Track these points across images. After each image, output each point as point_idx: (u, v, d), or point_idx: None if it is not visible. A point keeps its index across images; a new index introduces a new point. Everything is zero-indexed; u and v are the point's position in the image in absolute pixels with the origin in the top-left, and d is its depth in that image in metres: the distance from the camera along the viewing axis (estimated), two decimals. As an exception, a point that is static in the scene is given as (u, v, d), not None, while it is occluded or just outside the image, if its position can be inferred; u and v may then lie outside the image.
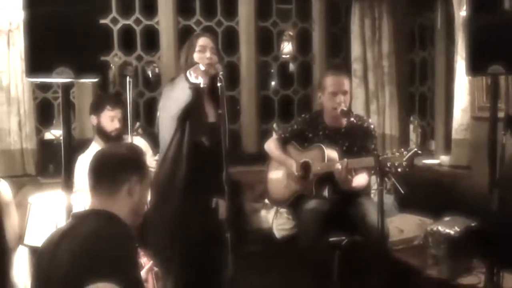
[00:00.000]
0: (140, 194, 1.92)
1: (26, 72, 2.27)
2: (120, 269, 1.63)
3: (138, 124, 4.04)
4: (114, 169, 1.88)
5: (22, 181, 3.66)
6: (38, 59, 2.20)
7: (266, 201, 3.92)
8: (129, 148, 2.05)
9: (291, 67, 5.10)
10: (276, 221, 3.88)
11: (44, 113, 4.23)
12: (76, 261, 1.64)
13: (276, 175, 3.49)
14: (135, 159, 1.95)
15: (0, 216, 2.70)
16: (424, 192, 3.85)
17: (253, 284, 3.26)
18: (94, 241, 1.69)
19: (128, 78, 3.10)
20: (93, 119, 3.52)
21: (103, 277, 1.56)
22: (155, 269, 2.24)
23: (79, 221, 1.83)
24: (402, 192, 2.73)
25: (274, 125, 4.68)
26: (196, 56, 2.82)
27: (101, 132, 3.45)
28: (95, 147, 3.34)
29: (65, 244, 1.72)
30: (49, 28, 2.19)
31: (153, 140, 3.69)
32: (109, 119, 3.46)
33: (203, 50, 2.82)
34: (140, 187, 1.91)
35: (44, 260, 1.78)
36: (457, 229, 3.13)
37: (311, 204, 3.26)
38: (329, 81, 3.25)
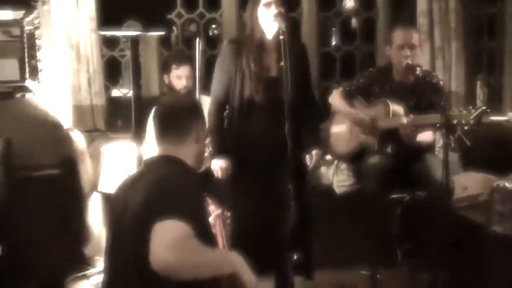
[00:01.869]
0: (203, 140, 2.03)
1: (97, 26, 2.36)
2: (189, 209, 1.69)
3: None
4: (182, 118, 1.96)
5: (92, 136, 3.81)
6: (109, 13, 2.29)
7: (327, 157, 3.94)
8: (189, 98, 2.13)
9: (354, 22, 5.00)
10: (336, 177, 3.89)
11: (111, 71, 4.36)
12: (147, 200, 1.72)
13: (339, 128, 3.49)
14: (198, 107, 2.04)
15: (76, 164, 2.85)
16: (491, 149, 3.76)
17: (314, 236, 3.31)
18: (165, 183, 1.77)
19: (197, 40, 3.16)
20: (165, 78, 3.61)
21: (172, 214, 1.62)
22: (224, 214, 2.32)
23: (150, 166, 1.92)
24: (468, 144, 2.68)
25: (335, 85, 4.62)
26: (260, 11, 2.81)
27: (173, 91, 3.53)
28: None
29: (137, 187, 1.81)
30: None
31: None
32: (177, 78, 3.53)
33: (268, 5, 2.80)
34: (203, 134, 2.02)
35: (118, 204, 1.88)
36: (525, 185, 3.06)
37: (374, 159, 3.25)
38: (397, 34, 3.20)
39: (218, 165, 2.87)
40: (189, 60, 3.53)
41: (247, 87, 2.82)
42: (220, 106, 2.90)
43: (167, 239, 1.58)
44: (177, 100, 2.07)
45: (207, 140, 3.40)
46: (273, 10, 2.77)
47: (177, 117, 1.96)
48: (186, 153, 1.93)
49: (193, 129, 1.96)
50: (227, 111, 2.91)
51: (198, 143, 1.98)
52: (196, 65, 3.23)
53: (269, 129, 2.82)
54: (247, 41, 2.84)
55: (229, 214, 2.39)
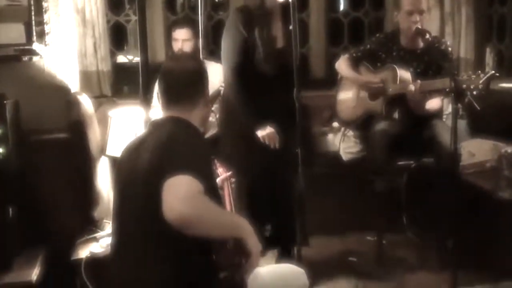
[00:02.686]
0: (209, 103, 2.05)
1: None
2: (199, 166, 1.69)
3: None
4: (190, 85, 1.94)
5: (99, 101, 3.81)
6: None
7: (334, 124, 3.93)
8: (195, 60, 2.11)
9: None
10: (343, 144, 3.89)
11: (116, 37, 4.32)
12: (157, 158, 1.71)
13: (346, 95, 3.47)
14: (204, 71, 2.02)
15: (84, 127, 2.85)
16: (499, 116, 3.73)
17: (320, 204, 3.33)
18: (174, 141, 1.77)
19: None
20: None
21: (182, 169, 1.62)
22: (231, 179, 2.33)
23: (157, 127, 1.91)
24: (478, 108, 2.65)
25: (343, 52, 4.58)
26: None
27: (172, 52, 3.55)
28: None
29: (144, 148, 1.81)
30: None
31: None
32: (174, 41, 3.57)
33: None
34: (209, 96, 2.03)
35: (125, 166, 1.89)
36: (533, 151, 3.05)
37: (381, 125, 3.24)
38: (406, -1, 3.14)
39: (266, 133, 2.87)
40: (187, 23, 3.53)
41: (258, 57, 2.80)
42: (239, 76, 2.87)
43: (181, 191, 1.58)
44: (183, 65, 2.00)
45: (214, 106, 3.43)
46: None
47: (186, 84, 1.93)
48: (193, 117, 1.93)
49: (201, 94, 1.96)
50: None
51: (205, 107, 1.99)
52: (200, 25, 3.20)
53: (278, 97, 2.81)
54: (257, 10, 2.81)
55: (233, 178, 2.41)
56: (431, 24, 4.21)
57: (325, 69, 4.50)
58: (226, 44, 2.92)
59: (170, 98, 1.93)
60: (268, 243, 2.93)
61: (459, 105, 2.69)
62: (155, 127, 1.94)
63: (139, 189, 1.74)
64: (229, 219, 1.80)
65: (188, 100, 1.93)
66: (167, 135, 1.80)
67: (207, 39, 4.30)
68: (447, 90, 2.68)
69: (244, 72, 2.86)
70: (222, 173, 2.32)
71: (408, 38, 3.23)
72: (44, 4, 3.15)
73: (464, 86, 2.66)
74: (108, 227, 2.75)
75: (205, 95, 1.99)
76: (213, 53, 4.30)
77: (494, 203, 3.14)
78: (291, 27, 2.62)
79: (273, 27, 2.84)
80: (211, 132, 3.59)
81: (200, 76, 1.98)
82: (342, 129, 3.84)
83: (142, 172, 1.75)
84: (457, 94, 2.60)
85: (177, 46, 3.56)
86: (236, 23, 2.87)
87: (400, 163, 3.39)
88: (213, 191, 1.80)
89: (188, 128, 1.89)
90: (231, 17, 2.95)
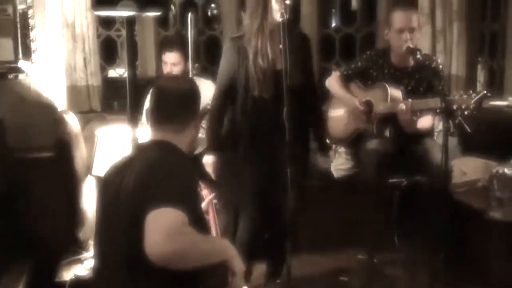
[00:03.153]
0: (199, 125, 2.01)
1: (92, 6, 2.31)
2: (184, 196, 1.66)
3: (196, 65, 4.05)
4: (183, 107, 1.91)
5: (88, 117, 3.77)
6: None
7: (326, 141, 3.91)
8: (189, 81, 2.08)
9: (354, 3, 4.92)
10: (334, 161, 3.87)
11: (107, 51, 4.30)
12: (140, 188, 1.68)
13: (337, 113, 3.46)
14: (197, 93, 1.98)
15: (70, 147, 2.81)
16: (490, 134, 3.72)
17: (310, 221, 3.31)
18: (158, 169, 1.73)
19: (189, 14, 3.11)
20: None
21: (167, 202, 1.59)
22: (215, 201, 2.30)
23: (142, 152, 1.88)
24: (469, 130, 2.65)
25: (333, 67, 4.58)
26: (274, 1, 2.69)
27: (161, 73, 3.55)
28: None
29: (128, 173, 1.76)
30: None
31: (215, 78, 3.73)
32: (164, 64, 3.58)
33: None
34: (200, 119, 1.99)
35: (109, 188, 1.84)
36: (524, 172, 3.03)
37: (372, 144, 3.22)
38: (397, 17, 3.12)
39: (208, 160, 2.93)
40: (178, 46, 3.51)
41: (253, 83, 2.79)
42: (222, 102, 2.91)
43: (163, 227, 1.55)
44: (177, 85, 1.97)
45: (203, 123, 3.40)
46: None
47: (178, 105, 1.90)
48: (182, 139, 1.90)
49: (193, 116, 1.93)
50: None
51: (195, 129, 1.96)
52: (189, 42, 3.19)
53: (273, 120, 2.79)
54: (252, 36, 2.78)
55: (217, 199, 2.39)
56: (422, 41, 4.21)
57: (317, 84, 4.47)
58: (220, 69, 2.94)
59: (161, 118, 1.90)
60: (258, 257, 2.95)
61: (451, 124, 2.69)
62: (140, 150, 1.90)
63: (122, 217, 1.70)
64: (214, 246, 1.77)
65: (179, 121, 1.89)
66: (152, 163, 1.76)
67: (198, 55, 4.28)
68: (438, 111, 2.66)
69: (236, 95, 2.86)
70: (206, 195, 2.29)
71: (398, 56, 3.22)
72: (31, 21, 3.12)
73: (456, 106, 2.65)
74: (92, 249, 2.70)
75: (196, 117, 1.96)
76: (205, 69, 4.29)
77: (485, 223, 3.12)
78: (281, 46, 2.60)
79: (270, 53, 2.82)
80: (200, 149, 3.56)
81: (193, 98, 1.96)
82: (334, 146, 3.81)
83: (126, 199, 1.71)
84: (448, 114, 2.59)
85: (166, 69, 3.55)
86: (229, 53, 2.87)
87: (391, 181, 3.37)
88: (198, 217, 1.77)
89: (175, 153, 1.85)
90: (225, 47, 2.94)
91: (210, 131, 2.96)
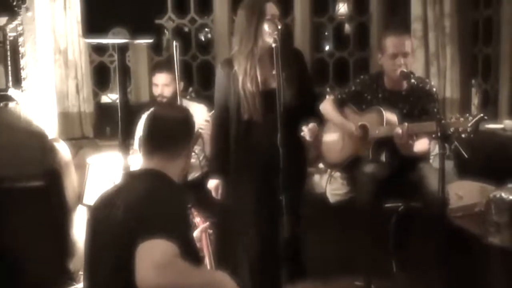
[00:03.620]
0: (191, 154, 2.04)
1: (83, 33, 2.29)
2: (175, 227, 1.63)
3: (190, 88, 4.04)
4: (177, 136, 1.91)
5: (80, 143, 3.74)
6: (95, 20, 2.21)
7: (320, 165, 3.87)
8: (183, 111, 2.07)
9: (347, 28, 4.94)
10: (330, 185, 3.83)
11: (100, 77, 4.29)
12: (131, 218, 1.65)
13: (331, 137, 3.42)
14: (191, 122, 1.98)
15: (60, 176, 2.77)
16: (485, 158, 3.70)
17: (305, 247, 3.25)
18: (148, 199, 1.70)
19: (174, 43, 3.11)
20: None
21: (158, 234, 1.57)
22: (209, 230, 2.26)
23: (133, 180, 1.86)
24: (466, 156, 2.63)
25: (328, 90, 4.58)
26: (265, 24, 2.71)
27: (153, 97, 3.52)
28: None
29: (119, 202, 1.74)
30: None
31: (209, 102, 3.72)
32: (154, 86, 3.55)
33: (272, 19, 2.72)
34: (193, 148, 1.96)
35: (98, 218, 1.81)
36: (522, 196, 3.00)
37: (368, 168, 3.18)
38: (390, 42, 3.11)
39: (213, 185, 2.95)
40: (168, 68, 3.48)
41: (244, 107, 2.80)
42: (222, 128, 2.92)
43: (154, 260, 1.53)
44: (172, 114, 1.97)
45: (196, 148, 3.38)
46: (278, 23, 2.68)
47: (172, 134, 1.90)
48: (174, 168, 1.89)
49: (186, 146, 1.93)
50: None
51: (187, 159, 1.96)
52: (176, 70, 3.19)
53: (269, 141, 2.76)
54: (247, 55, 2.78)
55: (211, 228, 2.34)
56: (416, 64, 4.23)
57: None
58: (215, 94, 2.97)
59: (154, 147, 1.88)
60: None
61: (447, 147, 2.66)
62: (131, 179, 1.88)
63: (112, 248, 1.67)
64: (206, 277, 1.73)
65: (171, 150, 1.88)
66: (142, 193, 1.73)
67: (191, 80, 4.27)
68: (433, 136, 2.64)
69: (230, 120, 2.87)
70: (199, 223, 2.24)
71: (392, 80, 3.20)
72: (21, 49, 3.10)
73: (452, 129, 2.62)
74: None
75: (189, 146, 1.96)
76: (198, 93, 4.28)
77: (483, 248, 3.07)
78: (274, 72, 2.58)
79: (262, 73, 2.81)
80: (193, 174, 3.52)
81: (187, 128, 1.95)
82: (329, 170, 3.78)
83: (115, 230, 1.68)
84: (445, 138, 2.57)
85: (156, 91, 3.52)
86: (220, 78, 2.90)
87: (388, 205, 3.33)
88: (190, 248, 1.74)
89: (165, 183, 1.82)
90: (217, 72, 2.96)
91: (211, 155, 2.99)
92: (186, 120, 1.96)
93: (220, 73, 2.91)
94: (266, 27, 2.71)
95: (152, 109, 2.06)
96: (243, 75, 2.78)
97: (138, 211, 1.66)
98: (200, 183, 3.47)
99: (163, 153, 1.87)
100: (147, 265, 1.52)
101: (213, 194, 2.95)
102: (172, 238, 1.57)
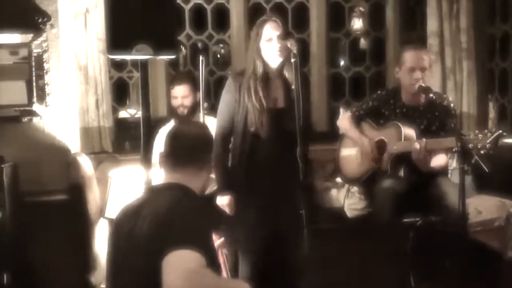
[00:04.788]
0: (211, 168, 2.06)
1: (107, 49, 2.33)
2: (201, 238, 1.66)
3: (206, 104, 4.07)
4: (199, 152, 1.95)
5: (100, 158, 3.77)
6: (119, 36, 2.26)
7: (338, 179, 3.88)
8: (202, 127, 2.13)
9: (363, 43, 4.97)
10: (347, 200, 3.83)
11: (119, 92, 4.34)
12: (157, 230, 1.68)
13: (349, 152, 3.43)
14: (211, 138, 2.05)
15: (83, 189, 2.80)
16: (504, 173, 3.68)
17: (323, 262, 3.24)
18: (173, 212, 1.73)
19: (200, 57, 3.13)
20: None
21: (185, 244, 1.59)
22: (225, 250, 2.28)
23: (158, 193, 1.89)
24: (487, 170, 2.62)
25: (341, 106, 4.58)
26: (263, 46, 2.77)
27: (172, 110, 3.53)
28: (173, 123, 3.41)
29: (144, 215, 1.77)
30: (128, 6, 2.24)
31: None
32: (173, 98, 3.55)
33: (269, 40, 2.76)
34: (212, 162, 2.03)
35: (121, 232, 1.83)
36: (542, 211, 2.99)
37: (386, 183, 3.18)
38: (408, 56, 3.14)
39: (223, 202, 2.84)
40: (187, 80, 3.52)
41: (251, 122, 2.79)
42: (224, 142, 2.89)
43: (182, 269, 1.55)
44: (194, 130, 2.03)
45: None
46: (276, 44, 2.74)
47: (195, 150, 1.94)
48: (197, 183, 1.92)
49: (207, 161, 1.98)
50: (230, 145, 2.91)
51: (208, 174, 2.01)
52: (201, 84, 3.22)
53: (276, 158, 2.79)
54: (251, 75, 2.81)
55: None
56: (433, 80, 4.22)
57: (327, 123, 4.49)
58: (219, 109, 2.94)
59: (176, 163, 1.92)
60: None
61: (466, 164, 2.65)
62: (154, 194, 1.91)
63: (137, 262, 1.69)
64: (232, 287, 1.75)
65: (194, 165, 1.92)
66: (167, 206, 1.76)
67: (209, 95, 4.31)
68: (454, 150, 2.64)
69: (234, 132, 2.86)
70: (215, 240, 2.24)
71: (410, 95, 3.21)
72: (46, 65, 3.16)
73: (471, 145, 2.62)
74: (105, 293, 2.65)
75: (210, 161, 2.00)
76: (214, 108, 4.32)
77: (504, 264, 3.05)
78: (293, 87, 2.61)
79: (270, 92, 2.83)
80: (211, 189, 3.53)
81: (207, 143, 2.01)
82: (347, 185, 3.78)
83: (141, 244, 1.70)
84: (464, 154, 2.57)
85: (176, 103, 3.54)
86: (228, 89, 2.89)
87: (406, 220, 3.32)
88: (214, 260, 1.76)
89: (188, 196, 1.86)
90: (226, 83, 2.95)
91: (219, 171, 2.87)
92: (206, 135, 2.02)
93: (230, 84, 2.89)
94: (262, 48, 2.76)
95: (173, 125, 2.10)
96: (248, 93, 2.80)
97: (165, 222, 1.68)
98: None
99: (186, 169, 1.90)
100: (175, 275, 1.54)
101: (228, 211, 2.83)
102: (199, 249, 1.59)
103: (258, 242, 2.82)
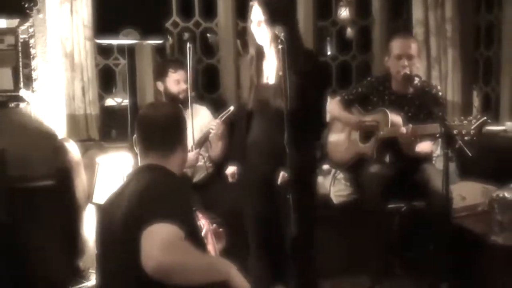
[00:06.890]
0: (187, 148, 2.05)
1: (94, 34, 2.33)
2: (178, 212, 1.67)
3: (192, 93, 4.07)
4: (169, 132, 1.94)
5: (86, 145, 3.75)
6: (106, 21, 2.26)
7: (324, 167, 3.91)
8: (171, 107, 2.11)
9: (349, 32, 4.99)
10: (333, 187, 3.86)
11: (105, 80, 4.31)
12: (134, 207, 1.70)
13: (336, 137, 3.47)
14: (182, 117, 2.01)
15: (71, 175, 2.80)
16: (487, 159, 3.73)
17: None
18: (150, 189, 1.75)
19: (188, 44, 3.14)
20: (160, 86, 3.58)
21: (160, 217, 1.60)
22: (217, 229, 2.28)
23: (135, 176, 1.90)
24: (470, 154, 2.66)
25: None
26: (253, 29, 2.81)
27: (170, 97, 3.50)
28: None
29: (122, 198, 1.80)
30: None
31: (213, 106, 3.76)
32: (174, 82, 3.50)
33: (258, 24, 2.79)
34: (187, 142, 2.03)
35: (105, 216, 1.87)
36: (524, 195, 3.04)
37: (373, 168, 3.23)
38: (395, 44, 3.20)
39: (230, 171, 3.06)
40: (182, 65, 3.51)
41: (256, 100, 2.86)
42: (242, 115, 3.01)
43: (159, 240, 1.56)
44: (158, 111, 1.98)
45: (203, 149, 3.41)
46: (264, 28, 2.75)
47: (161, 130, 1.92)
48: (173, 162, 1.93)
49: (178, 140, 1.96)
50: None
51: (183, 153, 1.98)
52: (188, 72, 3.22)
53: (269, 136, 2.82)
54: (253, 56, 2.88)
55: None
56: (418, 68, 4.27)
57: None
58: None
59: (146, 144, 1.93)
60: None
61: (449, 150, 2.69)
62: (132, 176, 1.92)
63: (119, 240, 1.72)
64: (212, 262, 1.77)
65: (164, 146, 1.92)
66: (144, 184, 1.78)
67: (196, 83, 4.30)
68: (438, 135, 2.68)
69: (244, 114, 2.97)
70: (205, 225, 2.24)
71: (398, 83, 3.26)
72: (32, 51, 3.13)
73: (456, 131, 2.67)
74: (93, 278, 2.66)
75: (182, 140, 1.98)
76: (202, 97, 4.31)
77: (488, 247, 3.11)
78: (280, 73, 2.63)
79: (264, 68, 2.87)
80: (199, 176, 3.55)
81: (176, 122, 1.97)
82: (333, 171, 3.82)
83: (121, 222, 1.73)
84: (448, 140, 2.61)
85: (178, 88, 3.51)
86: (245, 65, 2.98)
87: (391, 206, 3.37)
88: (195, 235, 1.77)
89: (165, 174, 1.87)
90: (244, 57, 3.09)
91: (231, 142, 3.16)
92: (176, 116, 1.99)
93: (243, 62, 3.00)
94: (254, 31, 2.80)
95: (142, 109, 2.09)
96: (255, 69, 2.87)
97: (141, 200, 1.70)
98: (205, 184, 3.51)
99: (157, 150, 1.91)
100: (152, 246, 1.55)
101: (229, 179, 3.06)
102: (176, 222, 1.60)
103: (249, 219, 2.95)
